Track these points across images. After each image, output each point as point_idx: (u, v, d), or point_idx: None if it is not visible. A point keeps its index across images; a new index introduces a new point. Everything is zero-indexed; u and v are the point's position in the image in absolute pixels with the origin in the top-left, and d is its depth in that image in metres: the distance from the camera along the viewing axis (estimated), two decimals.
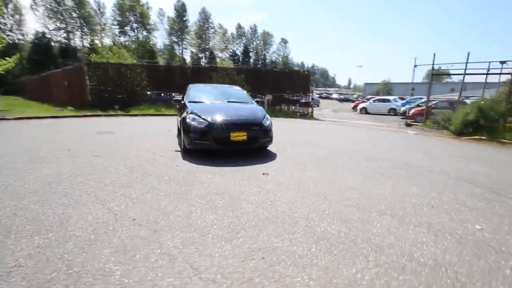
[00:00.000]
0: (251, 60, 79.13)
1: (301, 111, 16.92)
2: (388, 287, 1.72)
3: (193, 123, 4.75)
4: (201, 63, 64.84)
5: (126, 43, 42.16)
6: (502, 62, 10.64)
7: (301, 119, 15.15)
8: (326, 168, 4.43)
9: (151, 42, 59.23)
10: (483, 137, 7.40)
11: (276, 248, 2.08)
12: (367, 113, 22.03)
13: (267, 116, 5.36)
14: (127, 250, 2.01)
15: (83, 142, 6.15)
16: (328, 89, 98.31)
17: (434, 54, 11.69)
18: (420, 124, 13.02)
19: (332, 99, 58.22)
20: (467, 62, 9.80)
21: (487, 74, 10.80)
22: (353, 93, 74.40)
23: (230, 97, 6.05)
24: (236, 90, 6.58)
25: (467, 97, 12.86)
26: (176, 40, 69.04)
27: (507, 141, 6.93)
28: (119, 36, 58.73)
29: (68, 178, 3.60)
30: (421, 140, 8.13)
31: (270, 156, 5.06)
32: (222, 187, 3.38)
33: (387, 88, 63.74)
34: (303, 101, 17.07)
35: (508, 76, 9.66)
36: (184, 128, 4.86)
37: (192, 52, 71.33)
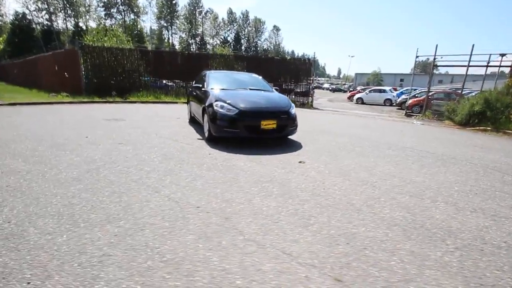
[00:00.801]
0: (243, 48, 77.76)
1: (300, 100, 16.92)
2: (476, 268, 1.79)
3: (221, 110, 4.65)
4: (191, 49, 63.06)
5: (113, 26, 39.99)
6: (502, 55, 10.97)
7: (300, 108, 15.18)
8: (357, 155, 4.49)
9: (138, 26, 56.81)
10: (488, 128, 7.69)
11: (355, 234, 2.11)
12: (363, 103, 22.32)
13: (293, 104, 5.33)
14: (209, 236, 1.98)
15: (96, 129, 5.93)
16: (319, 78, 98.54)
17: (437, 46, 11.89)
18: (418, 114, 13.36)
19: (323, 89, 58.45)
20: (471, 54, 10.02)
21: (487, 66, 11.12)
22: (344, 83, 74.89)
23: (251, 85, 5.94)
24: (256, 78, 6.46)
25: (458, 89, 13.24)
26: (165, 24, 66.64)
27: (508, 131, 7.25)
28: (105, 19, 56.00)
29: (104, 165, 3.49)
30: (428, 129, 8.34)
31: (294, 145, 5.06)
32: (266, 175, 3.36)
33: (377, 78, 64.64)
34: (303, 90, 17.05)
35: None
36: (212, 116, 4.74)
37: (181, 37, 69.18)
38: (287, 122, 4.90)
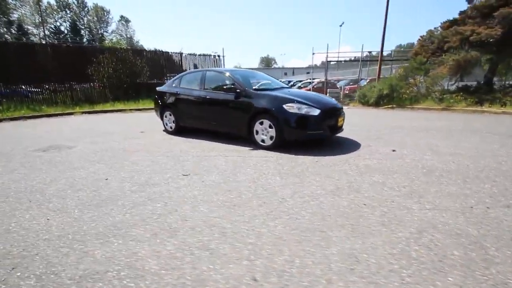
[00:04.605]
0: (84, 40, 63.69)
1: None
2: None
3: (300, 112, 4.01)
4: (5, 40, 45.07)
5: None
6: (370, 52, 14.93)
7: None
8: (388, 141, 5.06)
9: None
10: (394, 106, 10.52)
11: None
12: None
13: None
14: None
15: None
16: None
17: (327, 45, 14.65)
18: None
19: None
20: (361, 50, 13.11)
21: (369, 60, 14.84)
22: None
23: (276, 84, 5.32)
24: (270, 77, 5.75)
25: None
26: None
27: (409, 106, 10.26)
28: None
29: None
30: (355, 111, 10.37)
31: (329, 144, 5.07)
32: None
33: None
34: None
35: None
36: (291, 120, 4.00)
37: None
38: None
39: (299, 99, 4.16)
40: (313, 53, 15.76)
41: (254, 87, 4.75)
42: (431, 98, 10.17)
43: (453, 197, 2.53)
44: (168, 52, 15.19)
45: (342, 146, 4.53)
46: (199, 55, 15.93)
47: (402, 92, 10.56)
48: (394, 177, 3.06)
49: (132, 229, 2.07)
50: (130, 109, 11.81)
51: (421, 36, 13.44)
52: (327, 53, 14.82)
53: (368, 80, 16.91)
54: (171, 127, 5.95)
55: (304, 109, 4.02)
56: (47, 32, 55.93)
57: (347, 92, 15.52)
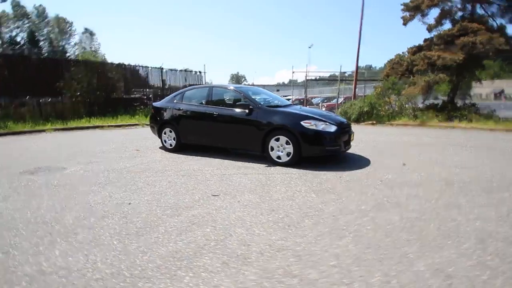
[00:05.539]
0: (44, 51, 59.51)
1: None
2: None
3: (317, 129, 4.09)
4: None
5: None
6: (343, 72, 15.94)
7: None
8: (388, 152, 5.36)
9: None
10: (374, 122, 11.20)
11: None
12: None
13: None
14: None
15: None
16: None
17: (307, 64, 15.41)
18: None
19: None
20: (339, 70, 13.93)
21: (344, 80, 15.77)
22: None
23: (282, 101, 5.43)
24: (274, 94, 5.84)
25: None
26: None
27: (388, 122, 11.00)
28: None
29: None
30: None
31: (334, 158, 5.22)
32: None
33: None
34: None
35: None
36: (309, 136, 4.07)
37: None
38: None
39: (315, 116, 4.25)
40: (293, 71, 16.48)
41: (266, 105, 4.77)
42: (406, 115, 11.05)
43: (486, 207, 2.70)
44: (148, 67, 14.76)
45: (350, 161, 4.66)
46: (180, 70, 15.70)
47: (381, 109, 11.34)
48: (422, 190, 3.19)
49: (195, 259, 1.86)
50: (109, 126, 11.06)
51: (390, 60, 14.77)
52: (307, 72, 15.57)
53: (342, 98, 17.93)
54: (170, 145, 5.66)
55: (321, 126, 4.11)
56: None
57: (324, 109, 16.29)
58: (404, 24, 12.76)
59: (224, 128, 4.88)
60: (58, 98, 12.50)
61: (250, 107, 4.53)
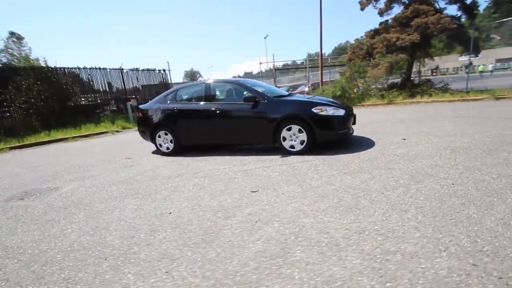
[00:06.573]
0: None
1: None
2: None
3: (329, 114, 4.21)
4: None
5: None
6: (294, 61, 16.41)
7: None
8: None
9: None
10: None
11: None
12: None
13: None
14: None
15: None
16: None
17: (273, 54, 15.54)
18: None
19: None
20: (306, 57, 14.30)
21: (308, 67, 16.19)
22: None
23: (280, 91, 5.46)
24: (270, 85, 5.82)
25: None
26: None
27: (359, 104, 11.69)
28: None
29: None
30: None
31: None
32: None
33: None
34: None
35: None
36: (323, 122, 4.18)
37: None
38: None
39: (323, 102, 4.35)
40: (260, 63, 16.58)
41: (280, 94, 4.79)
42: (374, 96, 11.87)
43: (498, 165, 3.06)
44: (106, 68, 13.48)
45: (355, 142, 4.88)
46: (142, 70, 14.65)
47: (351, 92, 12.02)
48: (438, 159, 3.49)
49: (288, 255, 1.81)
50: (73, 137, 9.96)
51: (350, 44, 15.61)
52: (274, 62, 15.74)
53: (309, 85, 18.52)
54: (167, 148, 5.33)
55: (331, 111, 4.23)
56: None
57: None
58: (362, 9, 13.57)
59: (229, 124, 4.73)
60: (5, 113, 10.87)
61: (257, 99, 4.45)
